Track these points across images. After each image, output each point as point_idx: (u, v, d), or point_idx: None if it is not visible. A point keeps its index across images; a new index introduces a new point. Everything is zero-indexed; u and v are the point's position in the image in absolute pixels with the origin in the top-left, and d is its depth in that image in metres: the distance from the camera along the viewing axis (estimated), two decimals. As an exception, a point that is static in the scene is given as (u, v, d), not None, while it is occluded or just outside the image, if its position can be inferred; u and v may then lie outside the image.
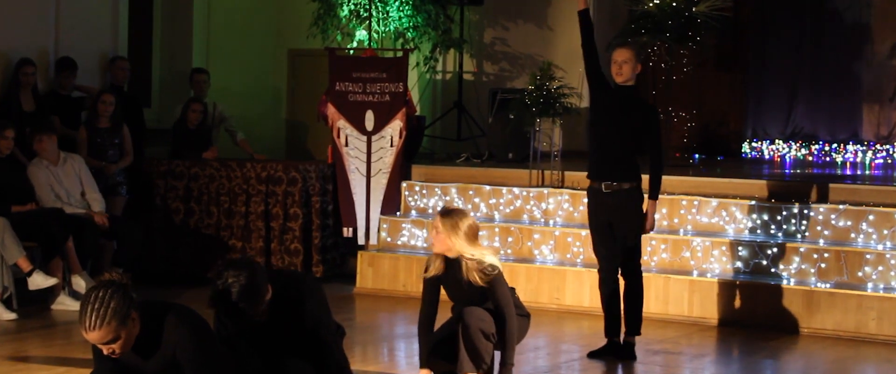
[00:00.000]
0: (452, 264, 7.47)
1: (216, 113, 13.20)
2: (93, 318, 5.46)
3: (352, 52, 13.25)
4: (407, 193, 12.38)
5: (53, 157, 10.94)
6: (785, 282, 10.39)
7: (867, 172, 13.71)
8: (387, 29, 13.66)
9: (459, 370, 7.34)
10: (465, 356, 7.29)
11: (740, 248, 10.71)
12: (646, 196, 8.85)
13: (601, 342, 8.98)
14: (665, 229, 11.19)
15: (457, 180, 12.28)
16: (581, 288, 10.93)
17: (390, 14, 13.61)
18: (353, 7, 13.59)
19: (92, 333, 5.47)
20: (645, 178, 8.85)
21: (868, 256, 10.30)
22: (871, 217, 10.62)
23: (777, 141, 15.41)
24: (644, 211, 8.82)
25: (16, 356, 8.68)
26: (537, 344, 9.62)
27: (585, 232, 11.20)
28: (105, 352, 5.56)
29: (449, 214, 7.48)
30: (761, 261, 10.63)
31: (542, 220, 11.75)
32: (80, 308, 5.63)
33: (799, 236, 10.80)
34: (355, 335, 9.87)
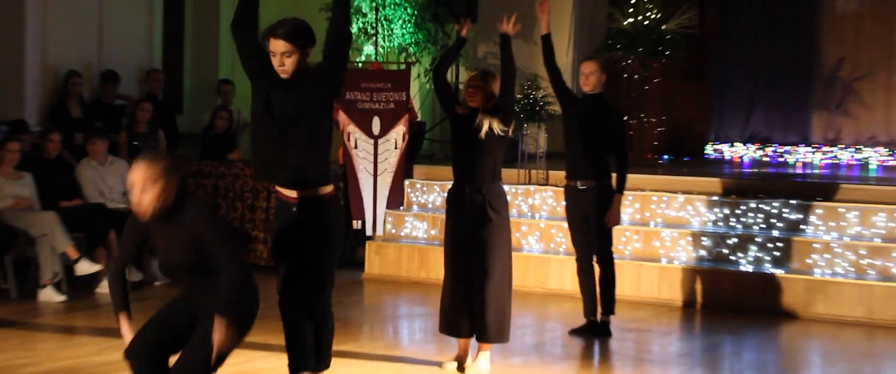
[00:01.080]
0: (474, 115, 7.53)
1: (240, 119, 13.26)
2: (148, 157, 5.55)
3: (360, 65, 13.31)
4: (409, 190, 12.45)
5: (102, 158, 11.02)
6: (743, 268, 10.46)
7: (816, 171, 13.75)
8: (391, 45, 13.71)
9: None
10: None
11: (704, 238, 10.78)
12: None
13: (581, 321, 9.06)
14: (638, 222, 11.27)
15: (451, 180, 12.32)
16: (563, 274, 10.98)
17: (394, 31, 13.66)
18: (361, 25, 13.64)
19: (139, 169, 5.47)
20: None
21: (816, 245, 10.37)
22: (819, 211, 10.68)
23: (736, 144, 15.43)
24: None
25: (66, 331, 8.78)
26: (524, 323, 9.68)
27: (567, 224, 11.30)
28: (136, 196, 5.50)
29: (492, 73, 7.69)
30: (722, 250, 10.70)
31: (529, 213, 11.82)
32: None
33: (755, 227, 10.87)
34: (364, 315, 9.96)
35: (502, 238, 7.51)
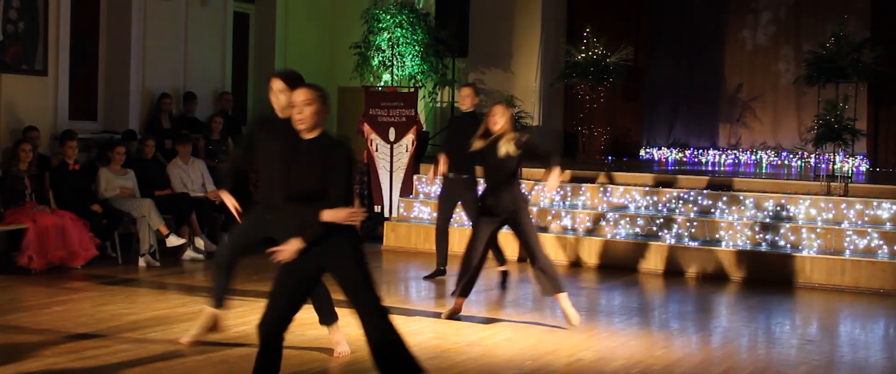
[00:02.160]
0: (494, 141, 7.40)
1: (290, 129, 13.21)
2: (310, 86, 5.41)
3: (380, 88, 13.29)
4: (417, 182, 12.43)
5: (186, 159, 10.99)
6: (668, 242, 10.46)
7: (722, 168, 13.75)
8: (403, 73, 13.68)
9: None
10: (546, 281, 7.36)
11: (639, 219, 10.77)
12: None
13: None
14: (589, 206, 11.25)
15: (450, 174, 12.32)
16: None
17: (406, 63, 13.63)
18: (380, 59, 13.61)
19: (302, 91, 5.29)
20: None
21: (722, 224, 10.37)
22: (724, 198, 10.68)
23: (663, 147, 15.43)
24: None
25: (159, 288, 8.76)
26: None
27: (536, 209, 11.28)
28: (298, 109, 5.11)
29: (504, 103, 7.55)
30: (652, 227, 10.69)
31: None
32: None
33: (677, 211, 10.86)
34: (382, 277, 9.94)
35: (530, 221, 7.46)
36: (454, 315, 7.63)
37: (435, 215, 11.80)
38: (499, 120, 7.40)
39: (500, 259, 9.24)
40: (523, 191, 7.60)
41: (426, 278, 9.59)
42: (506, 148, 7.36)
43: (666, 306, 8.75)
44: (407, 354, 4.95)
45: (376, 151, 12.29)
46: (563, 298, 7.38)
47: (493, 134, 7.42)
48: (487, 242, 7.53)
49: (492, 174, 7.49)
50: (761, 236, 10.16)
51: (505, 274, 9.23)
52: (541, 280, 7.38)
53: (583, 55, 13.15)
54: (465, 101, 9.10)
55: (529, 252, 7.40)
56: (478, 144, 7.48)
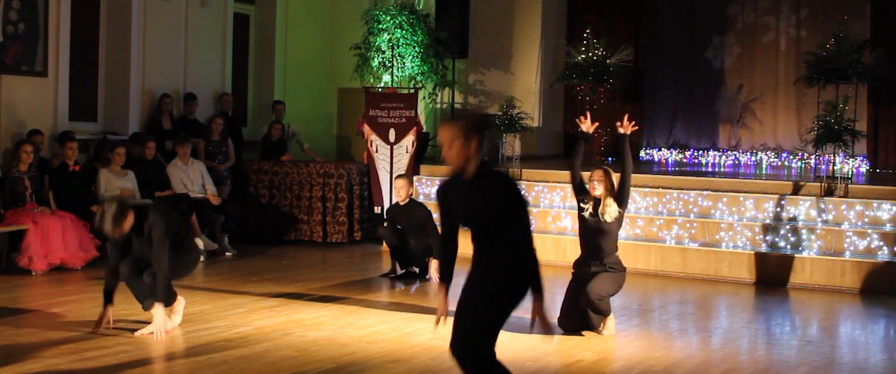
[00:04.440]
0: (597, 204, 7.29)
1: (290, 130, 13.23)
2: (110, 223, 6.61)
3: (380, 89, 13.30)
4: (417, 183, 12.42)
5: (186, 160, 10.99)
6: (668, 243, 10.46)
7: (722, 169, 13.76)
8: (403, 74, 13.68)
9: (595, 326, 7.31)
10: (593, 315, 7.26)
11: (639, 220, 10.77)
12: None
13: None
14: (588, 208, 11.26)
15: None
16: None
17: (406, 64, 13.63)
18: (380, 60, 13.62)
19: (109, 231, 6.59)
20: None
21: (722, 225, 10.37)
22: (724, 199, 10.68)
23: (663, 149, 15.44)
24: None
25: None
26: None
27: (537, 210, 11.29)
28: (115, 236, 6.60)
29: (607, 170, 7.37)
30: (652, 228, 10.69)
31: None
32: (102, 216, 6.68)
33: (677, 211, 10.86)
34: (382, 277, 9.94)
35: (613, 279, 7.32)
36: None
37: (435, 215, 11.81)
38: (598, 186, 7.30)
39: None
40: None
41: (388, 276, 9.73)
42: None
43: (666, 308, 8.76)
44: None
45: (376, 152, 12.29)
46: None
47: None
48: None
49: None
50: (761, 237, 10.17)
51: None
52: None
53: (583, 56, 13.17)
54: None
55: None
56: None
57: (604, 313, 7.25)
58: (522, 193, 4.58)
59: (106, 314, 6.88)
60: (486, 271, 4.60)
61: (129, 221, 6.76)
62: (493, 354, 4.58)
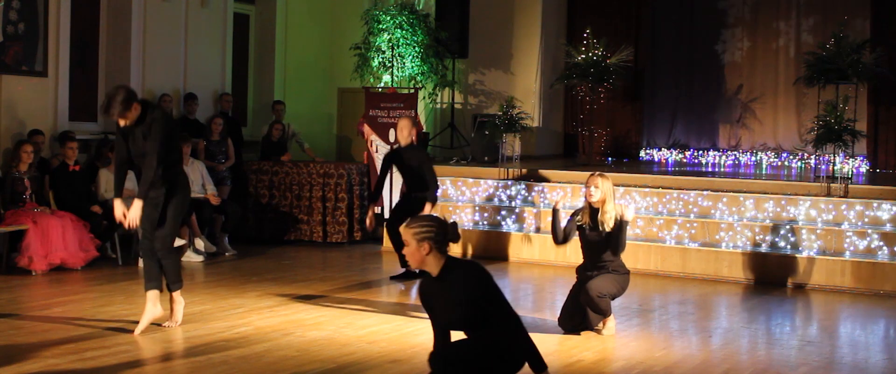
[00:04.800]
0: (594, 214, 7.23)
1: (290, 130, 13.23)
2: (118, 108, 6.65)
3: (380, 89, 13.31)
4: (417, 183, 12.42)
5: (186, 160, 10.99)
6: (668, 243, 10.46)
7: (722, 169, 13.76)
8: (403, 74, 13.69)
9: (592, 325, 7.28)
10: (593, 314, 7.23)
11: (639, 220, 10.77)
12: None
13: (540, 281, 9.03)
14: (588, 208, 11.25)
15: (450, 175, 12.32)
16: (531, 248, 10.98)
17: (406, 64, 13.64)
18: (380, 60, 13.63)
19: (115, 116, 6.66)
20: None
21: (722, 225, 10.37)
22: (724, 199, 10.68)
23: (663, 149, 15.45)
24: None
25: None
26: (502, 285, 9.68)
27: (537, 209, 11.30)
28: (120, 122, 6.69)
29: (604, 175, 7.24)
30: (652, 228, 10.69)
31: (507, 201, 11.81)
32: (110, 101, 6.71)
33: (677, 211, 10.86)
34: (382, 277, 9.94)
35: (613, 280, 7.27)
36: None
37: (435, 215, 11.81)
38: (594, 192, 7.23)
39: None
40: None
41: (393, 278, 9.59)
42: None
43: (666, 308, 8.75)
44: None
45: (376, 152, 12.29)
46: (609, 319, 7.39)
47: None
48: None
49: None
50: (761, 237, 10.17)
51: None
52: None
53: (583, 56, 13.16)
54: (402, 133, 9.53)
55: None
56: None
57: (604, 312, 7.25)
58: (488, 281, 4.71)
59: (116, 208, 6.95)
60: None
61: (135, 111, 6.77)
62: None
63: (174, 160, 7.05)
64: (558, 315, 7.42)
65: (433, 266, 4.76)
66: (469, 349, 4.80)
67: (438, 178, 12.31)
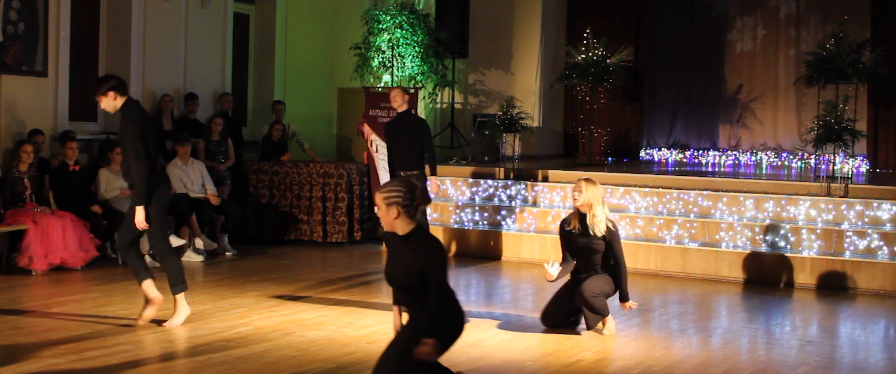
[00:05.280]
0: (583, 219, 7.26)
1: (290, 130, 13.23)
2: (96, 86, 7.03)
3: (380, 89, 13.30)
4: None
5: (186, 160, 10.98)
6: (668, 243, 10.46)
7: (722, 169, 13.76)
8: (403, 74, 13.69)
9: (591, 325, 7.28)
10: (590, 314, 7.21)
11: (639, 220, 10.77)
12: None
13: (540, 281, 9.03)
14: (588, 207, 11.24)
15: (450, 175, 12.33)
16: (532, 246, 10.98)
17: (406, 64, 13.65)
18: (380, 60, 13.63)
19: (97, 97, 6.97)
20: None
21: (722, 225, 10.37)
22: (724, 199, 10.68)
23: (663, 148, 15.45)
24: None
25: (159, 289, 8.75)
26: (503, 283, 9.68)
27: (537, 209, 11.29)
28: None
29: (590, 180, 7.24)
30: (652, 228, 10.69)
31: (507, 201, 11.81)
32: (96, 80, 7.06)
33: (677, 211, 10.86)
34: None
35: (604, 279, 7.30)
36: None
37: (435, 215, 11.82)
38: (578, 197, 7.25)
39: None
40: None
41: None
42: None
43: (666, 307, 8.75)
44: None
45: (376, 151, 12.28)
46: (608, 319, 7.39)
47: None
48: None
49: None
50: (761, 237, 10.16)
51: None
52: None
53: (583, 56, 13.16)
54: (396, 101, 9.54)
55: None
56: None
57: (601, 311, 7.25)
58: (440, 261, 4.90)
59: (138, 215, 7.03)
60: (414, 330, 5.02)
61: (111, 100, 7.01)
62: None
63: (154, 160, 7.06)
64: (542, 312, 7.48)
65: (401, 229, 4.98)
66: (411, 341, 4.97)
67: (437, 178, 12.34)
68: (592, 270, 7.31)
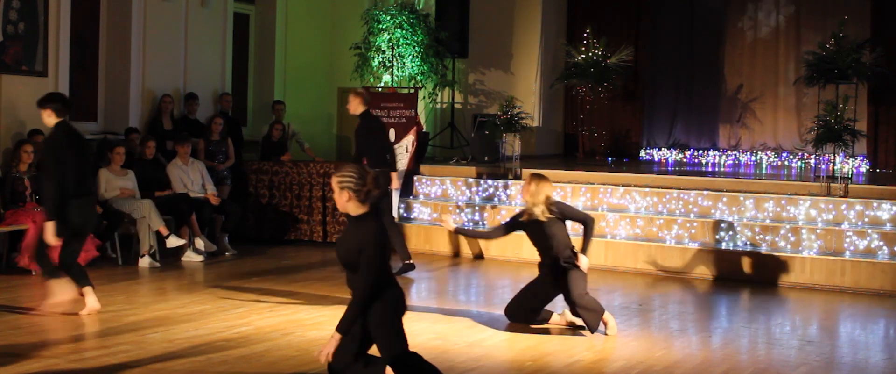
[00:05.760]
0: (535, 215, 7.44)
1: (290, 130, 13.22)
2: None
3: (380, 89, 13.29)
4: (417, 183, 12.43)
5: (186, 159, 10.97)
6: (668, 243, 10.46)
7: (722, 169, 13.76)
8: (403, 74, 13.69)
9: (593, 327, 7.32)
10: (588, 315, 7.28)
11: (639, 220, 10.77)
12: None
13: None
14: (589, 207, 11.24)
15: (451, 175, 12.33)
16: (531, 247, 10.94)
17: (406, 64, 13.64)
18: (380, 59, 13.63)
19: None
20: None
21: (722, 225, 10.37)
22: (724, 199, 10.68)
23: (663, 148, 15.45)
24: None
25: (158, 289, 8.76)
26: (503, 284, 9.67)
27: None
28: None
29: (537, 179, 7.44)
30: (652, 228, 10.69)
31: (507, 200, 11.81)
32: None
33: (677, 211, 10.86)
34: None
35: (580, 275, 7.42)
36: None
37: (435, 215, 11.82)
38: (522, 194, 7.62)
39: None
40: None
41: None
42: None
43: (666, 307, 8.75)
44: None
45: (376, 151, 12.26)
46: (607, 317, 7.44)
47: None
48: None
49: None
50: (761, 236, 10.16)
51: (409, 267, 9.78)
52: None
53: (583, 56, 13.16)
54: (351, 106, 9.91)
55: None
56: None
57: (595, 309, 7.30)
58: (373, 242, 5.12)
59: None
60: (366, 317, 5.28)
61: (47, 115, 7.31)
62: None
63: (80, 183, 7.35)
64: (506, 306, 7.64)
65: (353, 212, 5.25)
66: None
67: (438, 178, 12.35)
68: (549, 257, 7.45)
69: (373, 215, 5.28)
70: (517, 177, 11.95)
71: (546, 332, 7.36)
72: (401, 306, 5.28)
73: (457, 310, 7.99)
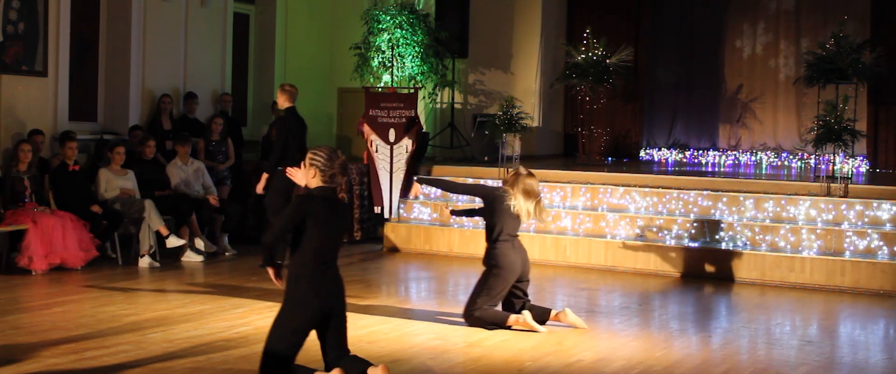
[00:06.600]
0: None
1: (290, 130, 13.21)
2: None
3: (380, 89, 13.29)
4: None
5: (186, 159, 10.97)
6: (668, 243, 10.45)
7: (722, 169, 13.76)
8: (403, 74, 13.68)
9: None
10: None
11: (638, 220, 10.77)
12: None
13: (539, 281, 9.03)
14: (588, 207, 11.24)
15: (450, 175, 12.30)
16: (532, 246, 10.95)
17: (406, 64, 13.63)
18: (380, 60, 13.62)
19: None
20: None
21: (722, 225, 10.36)
22: (724, 199, 10.67)
23: (663, 148, 15.45)
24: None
25: (158, 290, 8.76)
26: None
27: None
28: None
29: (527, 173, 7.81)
30: (652, 228, 10.68)
31: (507, 201, 11.79)
32: None
33: (677, 211, 10.86)
34: (382, 278, 9.94)
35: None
36: None
37: (435, 215, 11.82)
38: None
39: None
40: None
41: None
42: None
43: (666, 307, 8.75)
44: None
45: (376, 152, 12.27)
46: (566, 313, 7.44)
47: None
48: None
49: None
50: (761, 237, 10.16)
51: None
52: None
53: (583, 56, 13.16)
54: (280, 100, 10.07)
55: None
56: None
57: (498, 320, 7.38)
58: (294, 204, 5.67)
59: None
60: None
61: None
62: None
63: None
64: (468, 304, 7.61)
65: (313, 186, 5.69)
66: None
67: (437, 177, 12.32)
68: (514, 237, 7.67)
69: (327, 193, 5.63)
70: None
71: (548, 332, 7.36)
72: (309, 307, 5.69)
73: (456, 310, 7.97)
